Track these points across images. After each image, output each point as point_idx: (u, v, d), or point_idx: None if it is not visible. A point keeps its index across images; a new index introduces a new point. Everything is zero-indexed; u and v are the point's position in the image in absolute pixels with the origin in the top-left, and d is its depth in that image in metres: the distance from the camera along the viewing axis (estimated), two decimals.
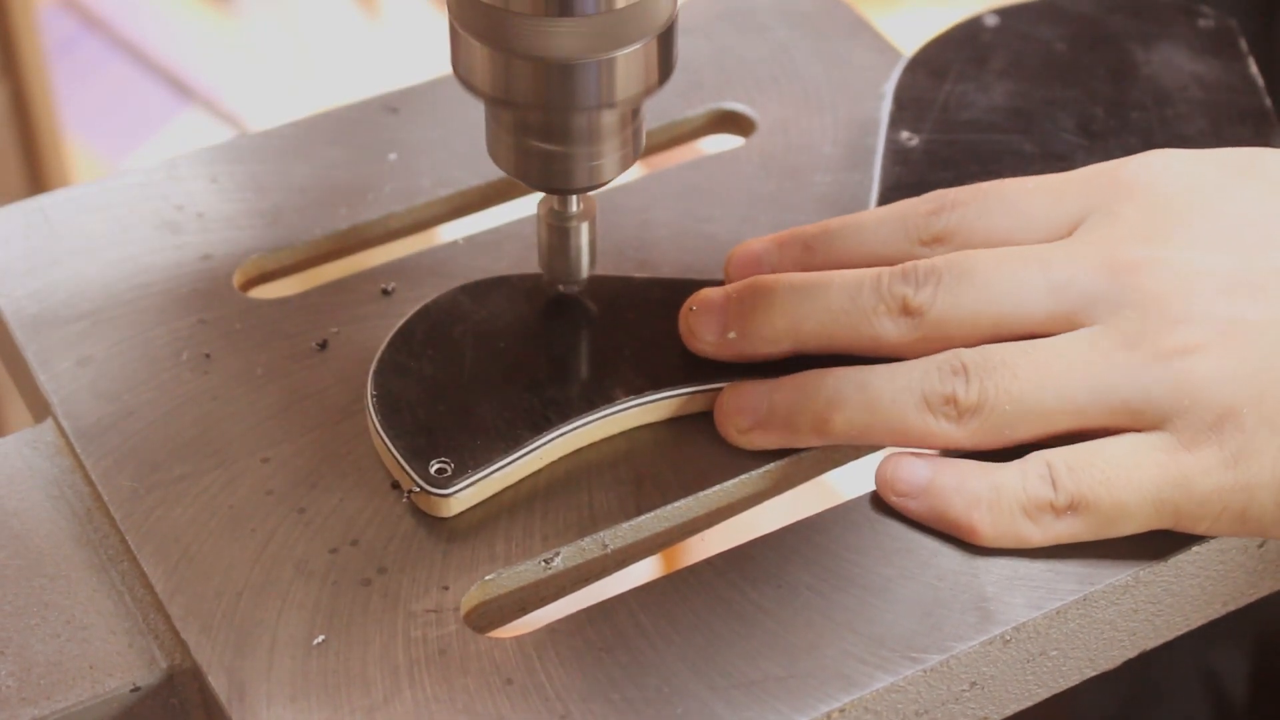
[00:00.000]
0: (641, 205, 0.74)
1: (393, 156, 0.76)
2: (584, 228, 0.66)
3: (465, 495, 0.62)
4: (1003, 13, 0.80)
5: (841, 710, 0.57)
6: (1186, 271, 0.61)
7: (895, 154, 0.74)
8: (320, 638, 0.59)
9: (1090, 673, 0.63)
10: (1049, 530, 0.61)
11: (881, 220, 0.66)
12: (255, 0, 2.44)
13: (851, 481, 0.67)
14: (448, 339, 0.67)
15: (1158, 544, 0.61)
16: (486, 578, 0.61)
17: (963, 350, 0.62)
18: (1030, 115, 0.75)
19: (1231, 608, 0.65)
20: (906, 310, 0.63)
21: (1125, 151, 0.66)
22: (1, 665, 0.59)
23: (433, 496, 0.62)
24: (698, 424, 0.65)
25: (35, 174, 1.75)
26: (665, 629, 0.59)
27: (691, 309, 0.66)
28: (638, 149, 0.64)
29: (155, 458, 0.65)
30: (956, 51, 0.78)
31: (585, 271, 0.67)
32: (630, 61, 0.60)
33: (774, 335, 0.64)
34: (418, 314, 0.67)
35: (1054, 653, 0.61)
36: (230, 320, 0.70)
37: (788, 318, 0.64)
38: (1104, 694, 1.05)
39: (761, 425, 0.64)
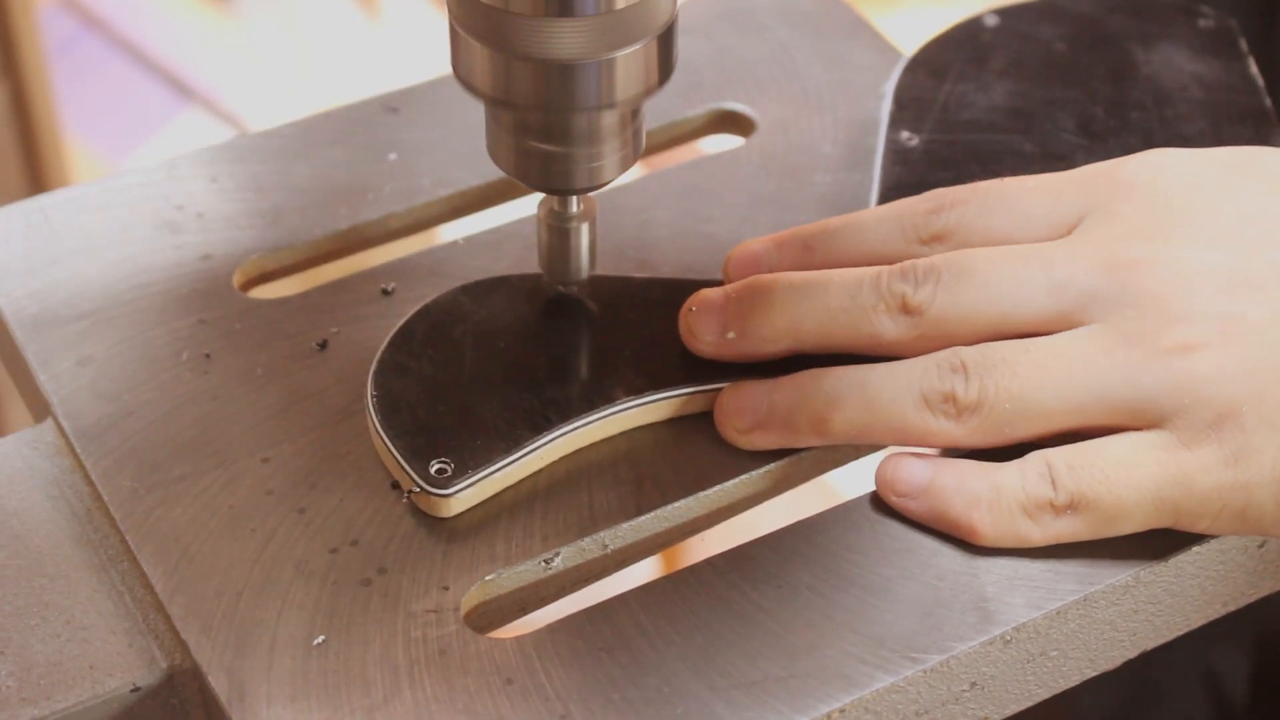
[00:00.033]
0: (641, 205, 0.74)
1: (393, 156, 0.76)
2: (584, 228, 0.66)
3: (465, 495, 0.62)
4: (1003, 13, 0.80)
5: (842, 710, 0.57)
6: (1186, 270, 0.61)
7: (895, 154, 0.74)
8: (320, 638, 0.59)
9: (1090, 673, 0.63)
10: (1049, 529, 0.61)
11: (881, 219, 0.66)
12: (255, 0, 2.44)
13: (851, 481, 0.67)
14: (448, 339, 0.67)
15: (1158, 544, 0.61)
16: (487, 578, 0.61)
17: (962, 348, 0.62)
18: (1030, 115, 0.75)
19: (1232, 608, 0.65)
20: (906, 309, 0.63)
21: (1125, 151, 0.66)
22: (1, 665, 0.59)
23: (433, 496, 0.62)
24: (698, 424, 0.65)
25: (35, 174, 1.75)
26: (665, 629, 0.59)
27: (691, 309, 0.66)
28: (638, 149, 0.64)
29: (155, 458, 0.64)
30: (956, 51, 0.78)
31: (585, 272, 0.67)
32: (630, 62, 0.60)
33: (773, 334, 0.64)
34: (418, 314, 0.67)
35: (1054, 653, 0.61)
36: (230, 320, 0.70)
37: (787, 317, 0.64)
38: (1104, 694, 1.05)
39: (761, 425, 0.64)
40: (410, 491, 0.63)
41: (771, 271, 0.66)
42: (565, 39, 0.59)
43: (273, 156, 0.76)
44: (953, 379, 0.61)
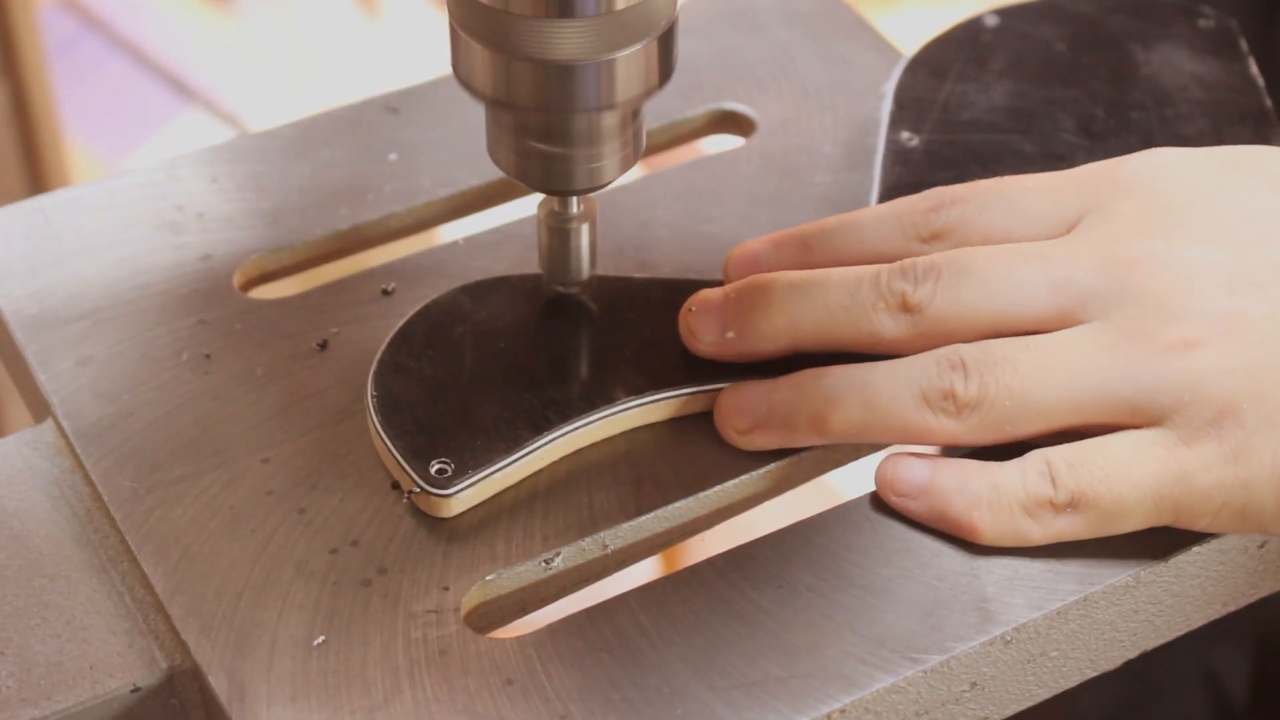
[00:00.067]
0: (641, 205, 0.74)
1: (393, 156, 0.76)
2: (584, 229, 0.66)
3: (465, 496, 0.62)
4: (1003, 13, 0.80)
5: (842, 711, 0.57)
6: (1186, 268, 0.61)
7: (895, 154, 0.74)
8: (320, 638, 0.59)
9: (1091, 673, 0.63)
10: (1049, 528, 0.61)
11: (880, 218, 0.66)
12: (255, 0, 2.44)
13: (852, 482, 0.67)
14: (448, 339, 0.67)
15: (1158, 544, 0.61)
16: (487, 578, 0.61)
17: (962, 346, 0.62)
18: (1030, 115, 0.75)
19: (1232, 608, 0.65)
20: (905, 307, 0.63)
21: (1125, 152, 0.66)
22: (1, 665, 0.59)
23: (433, 497, 0.62)
24: (698, 424, 0.65)
25: (35, 174, 1.75)
26: (665, 629, 0.59)
27: (690, 309, 0.66)
28: (638, 150, 0.64)
29: (155, 458, 0.64)
30: (957, 52, 0.78)
31: (585, 273, 0.67)
32: (630, 63, 0.60)
33: (773, 333, 0.64)
34: (418, 314, 0.67)
35: (1054, 653, 0.61)
36: (230, 320, 0.69)
37: (786, 315, 0.64)
38: (1104, 694, 1.05)
39: (761, 425, 0.64)
40: (410, 492, 0.63)
41: (771, 271, 0.66)
42: (565, 40, 0.59)
43: (273, 156, 0.76)
44: (952, 376, 0.61)
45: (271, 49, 2.39)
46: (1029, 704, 0.62)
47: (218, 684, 0.58)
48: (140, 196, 0.74)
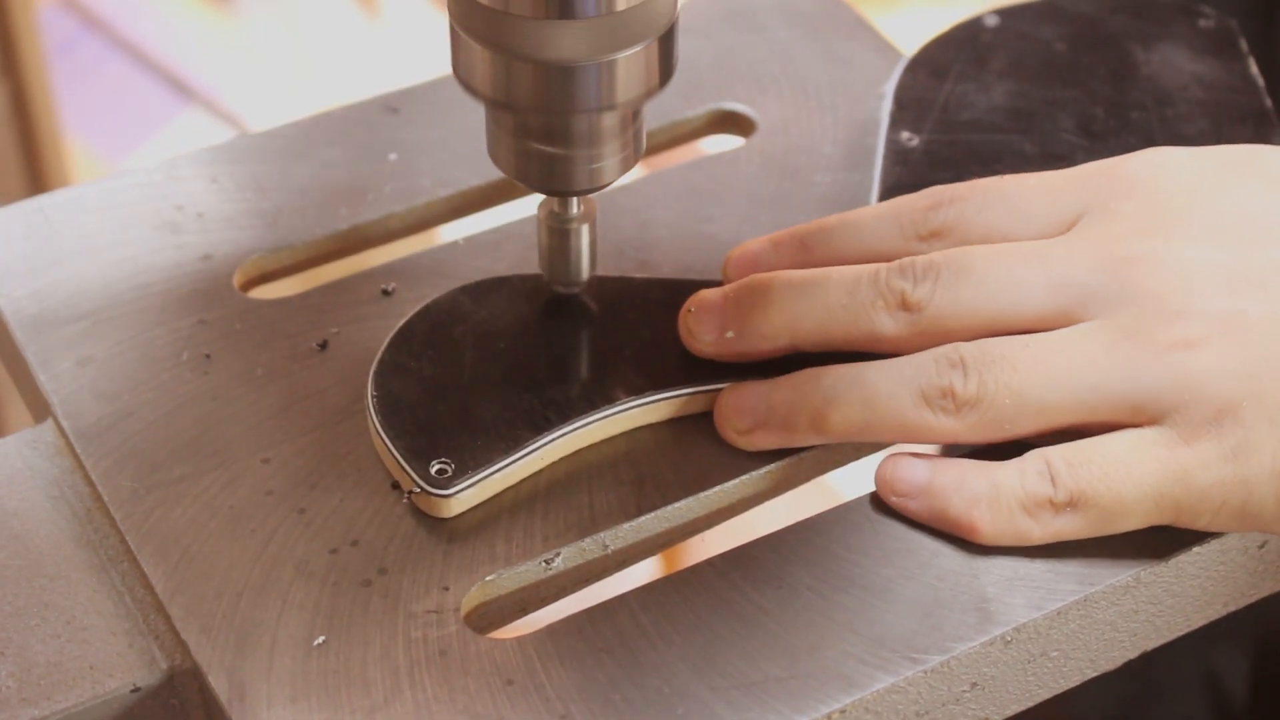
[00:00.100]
0: (641, 205, 0.74)
1: (393, 156, 0.76)
2: (584, 230, 0.66)
3: (466, 496, 0.62)
4: (1003, 13, 0.80)
5: (842, 711, 0.57)
6: (1185, 267, 0.61)
7: (895, 154, 0.74)
8: (320, 638, 0.59)
9: (1091, 673, 0.63)
10: (1049, 527, 0.60)
11: (879, 216, 0.66)
12: (255, 0, 2.44)
13: (852, 482, 0.67)
14: (448, 339, 0.67)
15: (1158, 544, 0.61)
16: (487, 578, 0.61)
17: (961, 344, 0.62)
18: (1030, 115, 0.75)
19: (1232, 608, 0.65)
20: (905, 305, 0.63)
21: (1125, 152, 0.66)
22: (2, 665, 0.59)
23: (433, 497, 0.62)
24: (698, 424, 0.65)
25: (35, 174, 1.75)
26: (666, 630, 0.59)
27: (690, 310, 0.66)
28: (638, 151, 0.64)
29: (155, 458, 0.64)
30: (957, 52, 0.78)
31: (586, 274, 0.67)
32: (631, 64, 0.60)
33: (772, 332, 0.64)
34: (418, 314, 0.67)
35: (1055, 653, 0.61)
36: (230, 320, 0.69)
37: (785, 315, 0.64)
38: (1104, 694, 1.05)
39: (760, 425, 0.64)
40: (410, 492, 0.63)
41: (770, 271, 0.66)
42: (566, 41, 0.59)
43: (273, 156, 0.76)
44: (951, 374, 0.61)
45: (271, 49, 2.39)
46: (1029, 704, 0.62)
47: (218, 684, 0.58)
48: (140, 196, 0.74)
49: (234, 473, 0.64)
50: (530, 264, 0.70)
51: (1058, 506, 0.60)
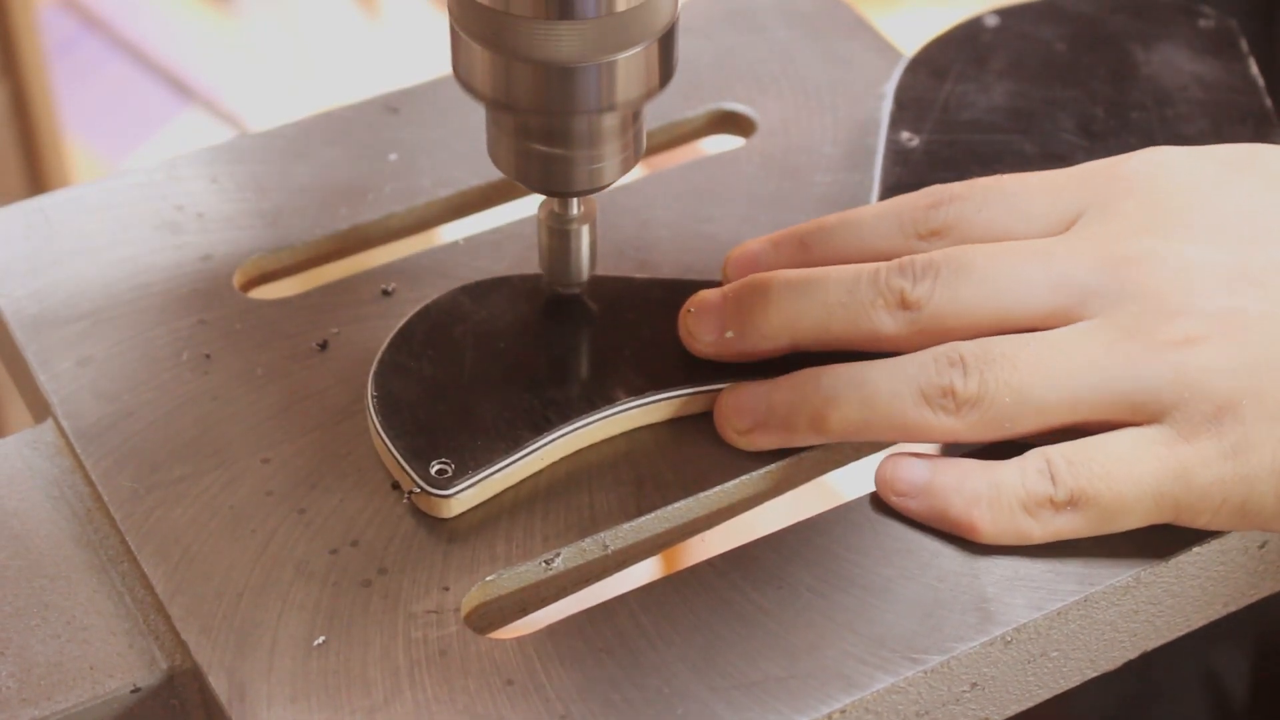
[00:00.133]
0: (641, 205, 0.74)
1: (393, 156, 0.76)
2: (584, 230, 0.66)
3: (466, 496, 0.62)
4: (1003, 13, 0.80)
5: (842, 711, 0.57)
6: (1185, 265, 0.61)
7: (896, 154, 0.74)
8: (320, 638, 0.59)
9: (1091, 673, 0.63)
10: (1049, 526, 0.60)
11: (879, 215, 0.66)
12: (255, 0, 2.44)
13: (852, 482, 0.67)
14: (448, 339, 0.67)
15: (1159, 544, 0.61)
16: (487, 578, 0.61)
17: (961, 343, 0.62)
18: (1030, 116, 0.75)
19: (1232, 608, 0.65)
20: (904, 304, 0.63)
21: (1125, 152, 0.66)
22: (2, 666, 0.59)
23: (433, 497, 0.62)
24: (698, 424, 0.65)
25: (35, 174, 1.75)
26: (666, 630, 0.59)
27: (690, 311, 0.66)
28: (639, 151, 0.64)
29: (155, 458, 0.64)
30: (957, 52, 0.78)
31: (586, 274, 0.67)
32: (631, 65, 0.60)
33: (772, 332, 0.64)
34: (418, 314, 0.67)
35: (1055, 654, 0.61)
36: (230, 320, 0.69)
37: (785, 314, 0.64)
38: (1104, 694, 1.05)
39: (760, 426, 0.64)
40: (411, 492, 0.63)
41: (770, 271, 0.66)
42: (566, 41, 0.59)
43: (273, 157, 0.76)
44: (951, 373, 0.61)
45: (271, 49, 2.39)
46: (1029, 704, 0.62)
47: (218, 684, 0.58)
48: (140, 196, 0.74)
49: (234, 473, 0.64)
50: (530, 264, 0.70)
51: (1058, 505, 0.60)
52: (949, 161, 0.73)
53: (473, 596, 0.61)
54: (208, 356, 0.68)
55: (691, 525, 0.64)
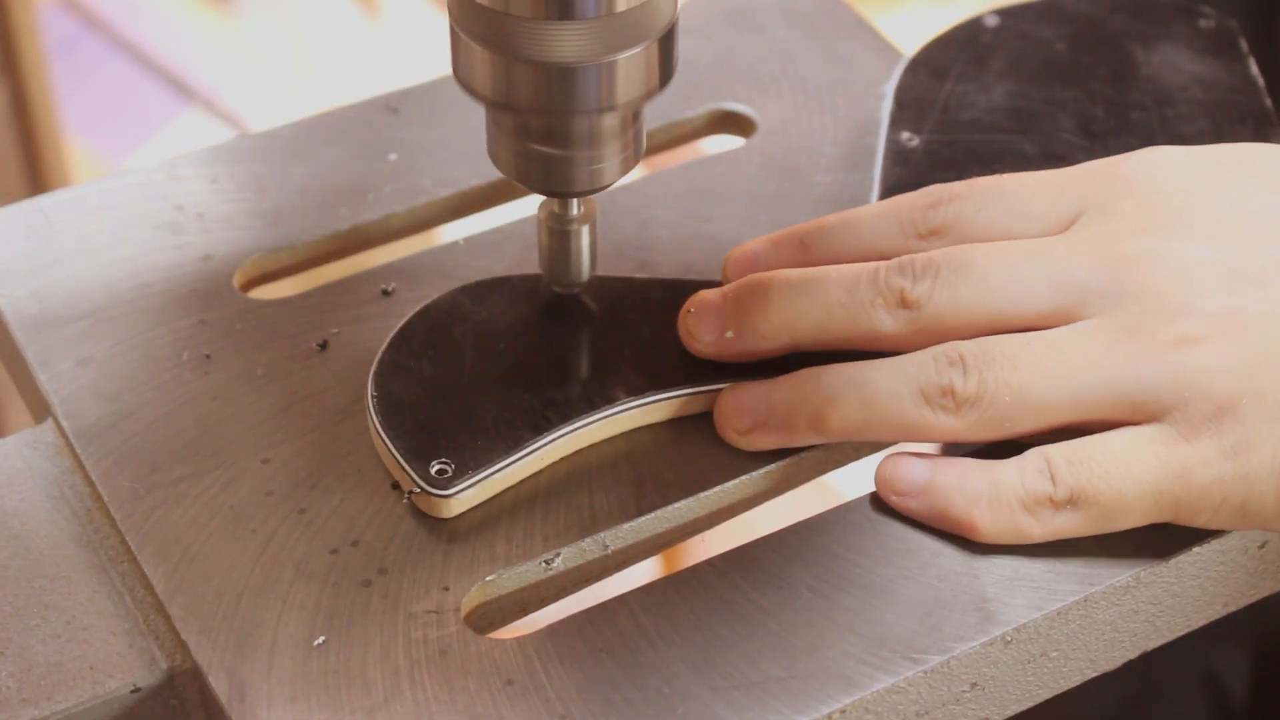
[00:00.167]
0: (642, 205, 0.74)
1: (393, 156, 0.76)
2: (584, 231, 0.66)
3: (466, 496, 0.62)
4: (1003, 13, 0.80)
5: (842, 711, 0.57)
6: (1185, 265, 0.61)
7: (896, 154, 0.74)
8: (320, 638, 0.59)
9: (1091, 673, 0.63)
10: (1049, 525, 0.61)
11: (878, 215, 0.66)
12: (255, 0, 2.44)
13: (852, 482, 0.67)
14: (448, 340, 0.67)
15: (1159, 544, 0.61)
16: (487, 578, 0.61)
17: (960, 342, 0.62)
18: (1031, 116, 0.75)
19: (1232, 608, 0.65)
20: (904, 303, 0.63)
21: (1125, 152, 0.66)
22: (2, 666, 0.59)
23: (433, 497, 0.62)
24: (698, 425, 0.65)
25: (35, 174, 1.75)
26: (666, 630, 0.59)
27: (689, 311, 0.66)
28: (639, 152, 0.64)
29: (155, 458, 0.64)
30: (957, 52, 0.78)
31: (586, 274, 0.67)
32: (631, 65, 0.60)
33: (771, 331, 0.64)
34: (418, 315, 0.67)
35: (1055, 654, 0.61)
36: (230, 321, 0.69)
37: (785, 313, 0.64)
38: (1104, 694, 1.05)
39: (760, 426, 0.64)
40: (411, 492, 0.63)
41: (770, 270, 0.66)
42: (566, 42, 0.59)
43: (273, 157, 0.76)
44: (951, 372, 0.61)
45: (271, 49, 2.39)
46: (1029, 704, 0.62)
47: (218, 684, 0.58)
48: (140, 196, 0.74)
49: (234, 473, 0.64)
50: (530, 264, 0.70)
51: (1058, 504, 0.60)
52: (949, 161, 0.73)
53: (473, 596, 0.61)
54: (208, 356, 0.68)
55: (691, 525, 0.64)
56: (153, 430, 0.65)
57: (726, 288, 0.66)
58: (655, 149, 0.79)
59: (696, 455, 0.65)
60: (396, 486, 0.63)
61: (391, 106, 0.78)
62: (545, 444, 0.64)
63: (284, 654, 0.59)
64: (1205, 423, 0.59)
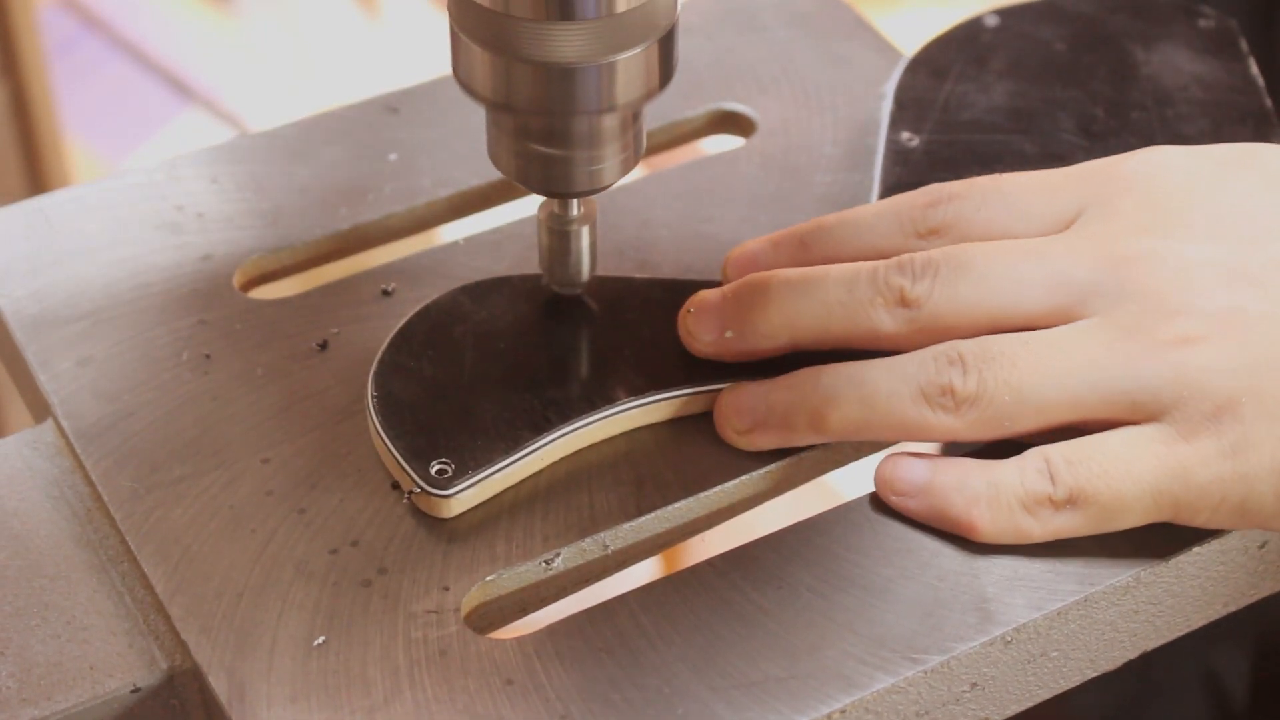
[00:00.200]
0: (642, 206, 0.74)
1: (393, 156, 0.76)
2: (584, 231, 0.66)
3: (466, 496, 0.62)
4: (1003, 13, 0.80)
5: (842, 711, 0.57)
6: (1184, 264, 0.61)
7: (896, 154, 0.74)
8: (320, 638, 0.59)
9: (1091, 673, 0.63)
10: (1048, 524, 0.61)
11: (878, 214, 0.66)
12: (255, 0, 2.44)
13: (852, 482, 0.67)
14: (448, 340, 0.67)
15: (1159, 544, 0.61)
16: (487, 578, 0.61)
17: (960, 341, 0.62)
18: (1031, 116, 0.75)
19: (1232, 608, 0.65)
20: (904, 302, 0.63)
21: (1125, 152, 0.66)
22: (2, 666, 0.59)
23: (433, 497, 0.62)
24: (698, 424, 0.65)
25: (35, 174, 1.75)
26: (666, 630, 0.59)
27: (689, 311, 0.66)
28: (639, 152, 0.64)
29: (155, 458, 0.64)
30: (957, 52, 0.78)
31: (586, 275, 0.67)
32: (631, 65, 0.60)
33: (771, 331, 0.64)
34: (418, 314, 0.67)
35: (1055, 654, 0.61)
36: (230, 320, 0.69)
37: (784, 313, 0.64)
38: (1104, 694, 1.05)
39: (760, 425, 0.64)
40: (411, 492, 0.63)
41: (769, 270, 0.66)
42: (566, 43, 0.59)
43: (273, 157, 0.76)
44: (950, 372, 0.61)
45: (271, 49, 2.39)
46: (1029, 704, 0.62)
47: (218, 684, 0.58)
48: (140, 196, 0.74)
49: (234, 473, 0.64)
50: (530, 264, 0.70)
51: (1057, 504, 0.60)
52: (949, 161, 0.73)
53: (473, 596, 0.61)
54: (208, 356, 0.68)
55: (691, 525, 0.64)
56: (153, 430, 0.65)
57: (726, 288, 0.66)
58: (655, 149, 0.79)
59: (696, 455, 0.65)
60: (396, 486, 0.63)
61: (391, 106, 0.78)
62: (545, 444, 0.64)
63: (284, 654, 0.59)
64: (1205, 422, 0.59)
